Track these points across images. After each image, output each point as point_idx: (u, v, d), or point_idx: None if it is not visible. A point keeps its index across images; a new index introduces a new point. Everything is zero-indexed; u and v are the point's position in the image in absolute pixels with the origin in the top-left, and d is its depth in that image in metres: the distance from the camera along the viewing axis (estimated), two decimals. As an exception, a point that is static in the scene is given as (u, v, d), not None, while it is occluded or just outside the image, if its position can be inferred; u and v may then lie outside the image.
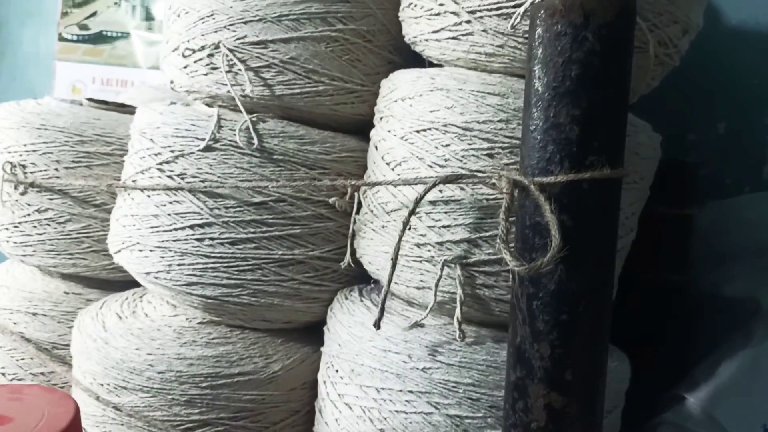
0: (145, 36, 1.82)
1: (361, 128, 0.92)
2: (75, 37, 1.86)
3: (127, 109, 1.14)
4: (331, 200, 0.87)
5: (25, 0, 1.99)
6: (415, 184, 0.73)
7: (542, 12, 0.62)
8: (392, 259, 0.70)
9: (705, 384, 0.89)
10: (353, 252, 0.87)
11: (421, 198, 0.69)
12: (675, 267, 1.07)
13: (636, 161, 0.77)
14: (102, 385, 0.87)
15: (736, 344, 0.92)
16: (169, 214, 0.86)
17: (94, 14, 1.85)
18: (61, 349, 1.08)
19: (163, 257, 0.87)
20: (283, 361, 0.90)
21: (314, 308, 0.91)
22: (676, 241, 1.07)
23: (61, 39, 1.87)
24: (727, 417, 0.85)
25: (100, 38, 1.85)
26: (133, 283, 1.04)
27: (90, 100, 1.16)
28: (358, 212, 0.86)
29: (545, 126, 0.62)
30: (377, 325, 0.72)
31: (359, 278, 0.92)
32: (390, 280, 0.71)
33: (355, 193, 0.87)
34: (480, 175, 0.69)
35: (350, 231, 0.87)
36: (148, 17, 1.82)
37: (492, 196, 0.71)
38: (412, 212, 0.69)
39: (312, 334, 0.94)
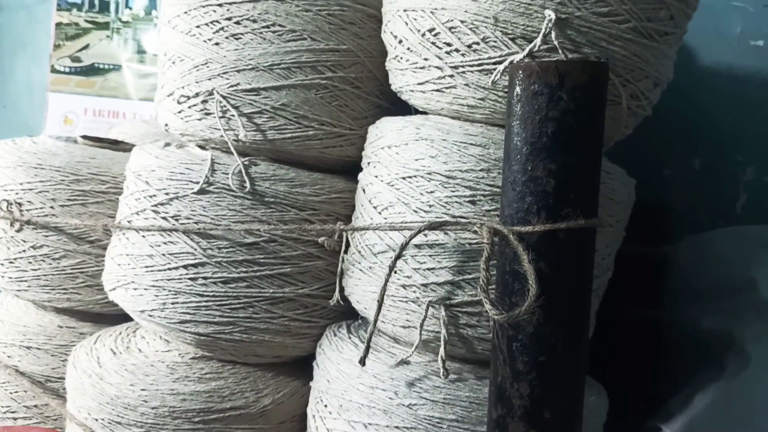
0: (137, 68, 1.86)
1: (349, 169, 0.96)
2: (67, 69, 1.89)
3: (120, 147, 1.18)
4: (320, 240, 0.91)
5: (18, 32, 2.02)
6: (401, 229, 0.76)
7: (520, 72, 0.66)
8: (378, 300, 0.74)
9: (680, 415, 0.92)
10: (342, 290, 0.90)
11: (407, 243, 0.72)
12: (650, 303, 1.11)
13: (611, 206, 0.81)
14: (97, 420, 0.90)
15: (709, 377, 0.95)
16: (163, 254, 0.89)
17: (86, 47, 1.88)
18: (55, 382, 1.10)
19: (157, 296, 0.89)
20: (274, 396, 0.93)
21: (304, 343, 0.94)
22: (652, 279, 1.11)
23: (54, 71, 1.90)
24: (701, 449, 0.88)
25: (92, 70, 1.88)
26: (125, 317, 1.07)
27: (84, 137, 1.19)
28: (346, 251, 0.90)
29: (523, 179, 0.66)
30: (362, 362, 0.75)
31: (347, 314, 0.95)
32: (376, 320, 0.74)
33: (344, 234, 0.91)
34: (462, 221, 0.72)
35: (339, 270, 0.91)
36: (140, 50, 1.86)
37: (474, 241, 0.75)
38: (399, 256, 0.73)
39: (302, 368, 0.97)
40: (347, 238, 0.90)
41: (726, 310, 1.03)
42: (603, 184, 0.77)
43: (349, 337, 0.88)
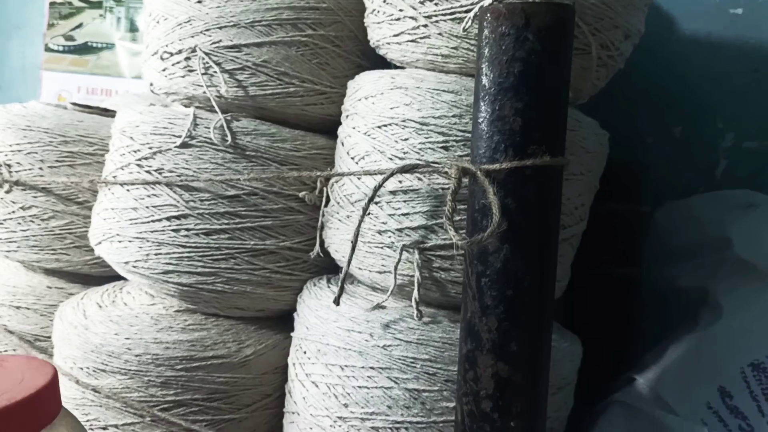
0: (130, 47, 1.88)
1: (330, 129, 0.97)
2: (61, 48, 1.91)
3: (109, 113, 1.19)
4: (300, 194, 0.93)
5: (12, 14, 2.04)
6: (376, 174, 0.78)
7: (488, 15, 0.68)
8: (352, 241, 0.76)
9: (653, 366, 0.94)
10: (322, 243, 0.92)
11: (380, 186, 0.74)
12: (629, 261, 1.13)
13: (582, 154, 0.83)
14: (82, 368, 0.92)
15: (684, 330, 0.98)
16: (147, 207, 0.91)
17: (79, 26, 1.90)
18: (44, 341, 1.12)
19: (141, 247, 0.91)
20: (255, 346, 0.95)
21: (285, 296, 0.96)
22: (630, 237, 1.13)
23: (48, 49, 1.92)
24: (672, 395, 0.90)
25: (85, 49, 1.90)
26: (113, 278, 1.09)
27: (74, 104, 1.21)
28: (326, 205, 0.92)
29: (491, 118, 0.68)
30: (336, 302, 0.78)
31: (329, 269, 0.97)
32: (350, 260, 0.76)
33: (324, 188, 0.93)
34: (434, 165, 0.74)
35: (319, 223, 0.93)
36: (133, 29, 1.88)
37: (447, 186, 0.76)
38: (371, 199, 0.75)
39: (284, 323, 0.99)
40: (327, 193, 0.92)
41: (702, 268, 1.05)
42: (573, 132, 0.79)
43: (328, 286, 0.90)
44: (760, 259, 1.00)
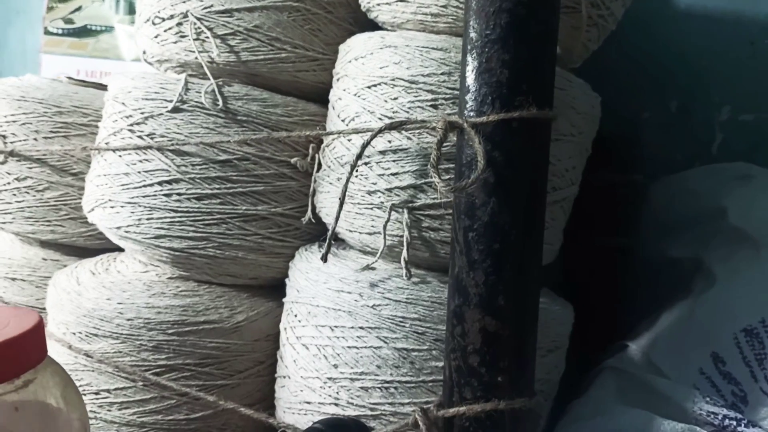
0: (129, 29, 1.88)
1: (323, 97, 0.97)
2: (60, 31, 1.91)
3: (105, 87, 1.19)
4: (292, 160, 0.93)
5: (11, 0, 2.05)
6: (365, 132, 0.78)
7: (475, -33, 0.68)
8: (339, 198, 0.76)
9: (646, 333, 0.94)
10: (314, 209, 0.92)
11: (368, 143, 0.74)
12: (625, 232, 1.13)
13: (572, 115, 0.82)
14: (74, 333, 0.92)
15: (677, 299, 0.97)
16: (138, 172, 0.91)
17: (78, 9, 1.90)
18: (39, 312, 1.12)
19: (133, 212, 0.92)
20: (248, 313, 0.95)
21: (278, 263, 0.96)
22: (626, 208, 1.13)
23: (47, 33, 1.92)
24: (665, 361, 0.90)
25: (84, 32, 1.90)
26: (108, 251, 1.09)
27: (69, 78, 1.22)
28: (318, 171, 0.92)
29: (479, 71, 0.68)
30: (324, 258, 0.78)
31: (321, 237, 0.97)
32: (338, 217, 0.76)
33: (316, 154, 0.93)
34: (421, 120, 0.74)
35: (311, 189, 0.93)
36: (132, 11, 1.88)
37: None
38: (359, 156, 0.75)
39: (277, 292, 0.98)
40: (319, 159, 0.92)
41: (696, 239, 1.05)
42: (563, 91, 0.79)
43: (319, 250, 0.90)
44: (754, 228, 0.99)
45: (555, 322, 0.85)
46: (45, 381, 0.57)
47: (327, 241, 0.77)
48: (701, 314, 0.92)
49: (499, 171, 0.67)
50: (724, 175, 1.12)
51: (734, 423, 0.79)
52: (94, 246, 1.14)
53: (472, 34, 0.68)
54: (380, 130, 0.74)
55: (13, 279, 1.14)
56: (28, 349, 0.56)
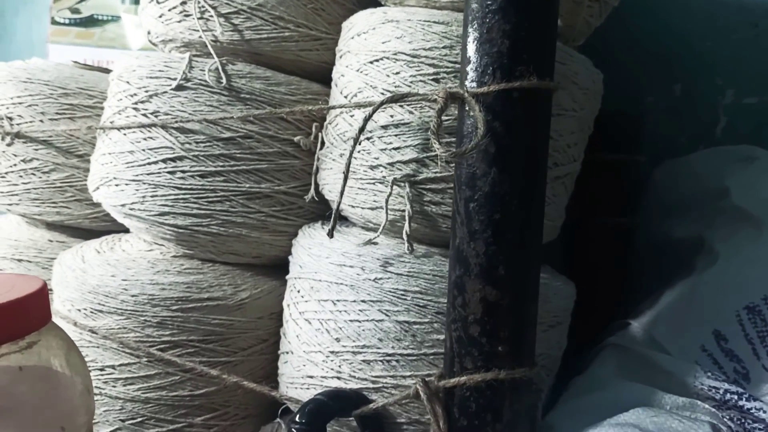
0: (135, 19, 1.89)
1: (326, 77, 0.97)
2: (67, 21, 1.92)
3: (109, 71, 1.20)
4: (295, 139, 0.93)
5: (19, -10, 2.06)
6: (366, 106, 0.78)
7: (476, -62, 0.69)
8: (344, 172, 0.76)
9: (648, 310, 0.94)
10: (317, 187, 0.93)
11: (370, 116, 0.75)
12: (629, 211, 1.13)
13: (574, 90, 0.83)
14: (79, 310, 0.92)
15: (679, 277, 0.97)
16: (143, 150, 0.92)
17: (85, -2, 1.92)
18: (45, 292, 1.13)
19: (137, 190, 0.92)
20: (251, 290, 0.95)
21: (281, 241, 0.96)
22: (626, 187, 1.13)
23: (54, 23, 1.93)
24: (666, 338, 0.90)
25: (90, 21, 1.91)
26: (113, 234, 1.10)
27: (75, 62, 1.23)
28: (321, 150, 0.92)
29: (480, 41, 0.68)
30: (330, 233, 0.78)
31: (324, 217, 0.98)
32: (342, 192, 0.77)
33: (319, 133, 0.93)
34: (422, 93, 0.74)
35: (314, 167, 0.93)
36: (137, 1, 1.89)
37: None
38: (362, 129, 0.75)
39: (280, 271, 0.99)
40: (322, 138, 0.93)
41: (699, 219, 1.05)
42: (564, 66, 0.80)
43: (322, 227, 0.91)
44: (756, 207, 0.99)
45: (557, 297, 0.85)
46: (48, 344, 0.58)
47: (333, 215, 0.78)
48: (703, 292, 0.92)
49: (500, 141, 0.67)
50: (727, 157, 1.12)
51: (735, 397, 0.80)
52: (99, 228, 1.15)
53: (474, 5, 0.69)
54: (382, 103, 0.74)
55: (20, 260, 1.15)
56: (32, 311, 0.57)
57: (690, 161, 1.17)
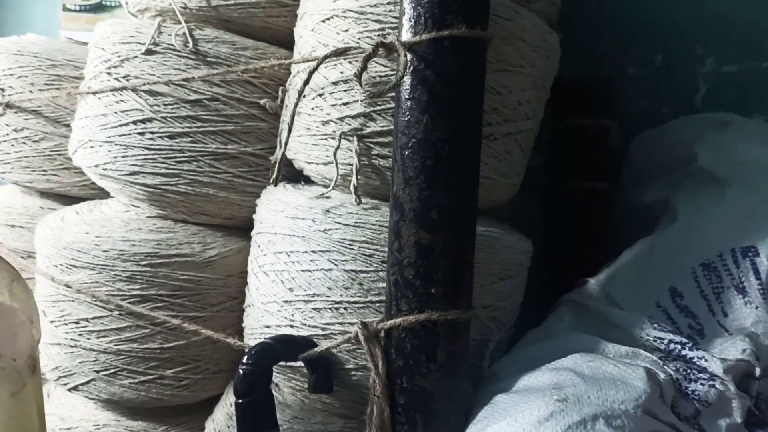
0: (142, 5, 1.94)
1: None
2: (77, 7, 1.99)
3: (101, 46, 1.25)
4: (262, 102, 0.97)
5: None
6: (312, 60, 0.81)
7: None
8: (288, 123, 0.79)
9: (606, 269, 0.95)
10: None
11: (315, 69, 0.78)
12: (605, 176, 1.14)
13: (521, 46, 0.84)
14: (56, 266, 0.97)
15: (639, 237, 0.98)
16: (115, 113, 0.96)
17: (95, -16, 1.98)
18: (35, 256, 1.18)
19: (109, 151, 0.96)
20: (220, 249, 0.99)
21: (249, 202, 0.99)
22: (597, 150, 1.14)
23: (65, 9, 2.00)
24: (622, 295, 0.91)
25: (100, 7, 1.98)
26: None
27: (69, 39, 1.28)
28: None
29: (414, -7, 0.71)
30: (275, 182, 0.81)
31: (290, 179, 1.00)
32: (287, 141, 0.80)
33: (285, 96, 0.96)
34: (362, 46, 0.77)
35: (279, 129, 0.96)
36: (144, -13, 1.94)
37: (383, 74, 0.79)
38: (306, 82, 0.78)
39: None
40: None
41: (666, 184, 1.06)
42: (509, 21, 0.81)
43: (284, 187, 0.93)
44: (722, 170, 0.99)
45: (507, 251, 0.86)
46: (-9, 274, 0.62)
47: (277, 163, 0.81)
48: (660, 250, 0.93)
49: (432, 88, 0.70)
50: (702, 125, 1.12)
51: (679, 347, 0.80)
52: (87, 195, 1.20)
53: (407, -41, 0.71)
54: (325, 57, 0.77)
55: (12, 226, 1.20)
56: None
57: (665, 130, 1.17)
